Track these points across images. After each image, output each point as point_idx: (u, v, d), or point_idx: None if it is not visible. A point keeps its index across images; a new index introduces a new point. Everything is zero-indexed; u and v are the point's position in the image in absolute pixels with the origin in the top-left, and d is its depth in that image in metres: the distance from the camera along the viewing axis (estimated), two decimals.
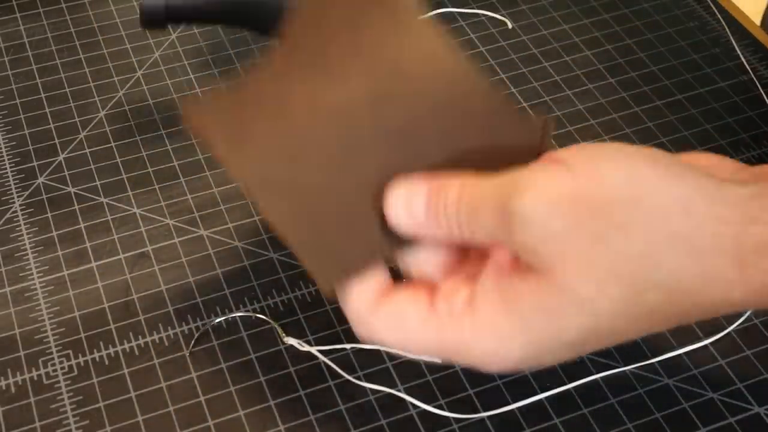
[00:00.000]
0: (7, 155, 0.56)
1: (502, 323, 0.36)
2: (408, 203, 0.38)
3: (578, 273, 0.34)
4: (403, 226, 0.38)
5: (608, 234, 0.34)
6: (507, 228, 0.35)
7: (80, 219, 0.53)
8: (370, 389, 0.45)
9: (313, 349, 0.46)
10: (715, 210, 0.34)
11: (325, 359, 0.46)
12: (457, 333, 0.37)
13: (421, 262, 0.40)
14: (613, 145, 0.36)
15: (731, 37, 0.63)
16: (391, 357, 0.46)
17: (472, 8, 0.66)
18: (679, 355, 0.46)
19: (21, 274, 0.50)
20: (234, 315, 0.48)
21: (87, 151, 0.56)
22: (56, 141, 0.57)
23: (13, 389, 0.45)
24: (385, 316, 0.38)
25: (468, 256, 0.39)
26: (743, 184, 0.34)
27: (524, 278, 0.35)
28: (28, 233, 0.52)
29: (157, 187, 0.54)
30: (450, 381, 0.45)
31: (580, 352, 0.37)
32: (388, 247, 0.39)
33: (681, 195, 0.34)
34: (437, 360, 0.46)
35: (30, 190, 0.54)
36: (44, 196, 0.54)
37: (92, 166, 0.55)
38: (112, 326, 0.48)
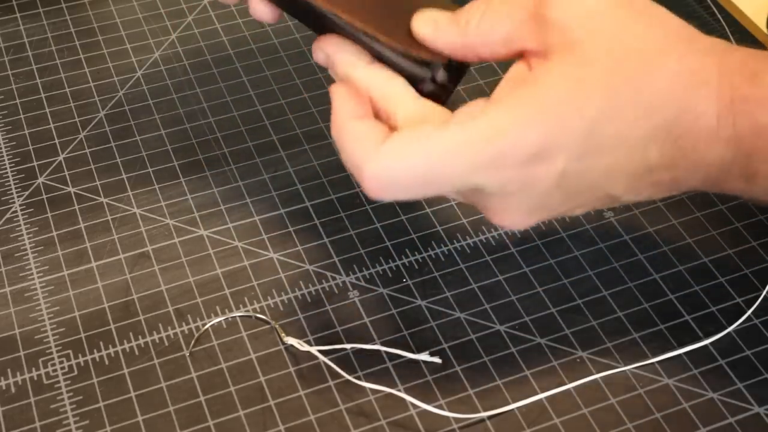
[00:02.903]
0: (7, 155, 0.56)
1: (521, 105, 0.37)
2: (435, 20, 0.41)
3: (603, 48, 0.37)
4: (429, 36, 0.40)
5: (629, 20, 0.38)
6: (541, 12, 0.38)
7: (80, 219, 0.53)
8: (370, 389, 0.45)
9: (313, 349, 0.46)
10: (704, 36, 0.39)
11: (325, 359, 0.46)
12: (481, 130, 0.37)
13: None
14: None
15: (731, 37, 0.63)
16: (391, 357, 0.46)
17: None
18: (679, 355, 0.46)
19: (21, 274, 0.50)
20: (234, 315, 0.48)
21: (87, 151, 0.56)
22: (56, 141, 0.57)
23: (13, 389, 0.45)
24: (397, 142, 0.38)
25: None
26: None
27: (543, 64, 0.38)
28: (28, 233, 0.52)
29: (157, 187, 0.54)
30: (450, 381, 0.45)
31: (591, 172, 0.38)
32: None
33: (683, 22, 0.39)
34: (437, 360, 0.46)
35: (30, 190, 0.54)
36: (44, 196, 0.54)
37: (92, 166, 0.55)
38: (112, 326, 0.48)
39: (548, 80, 0.37)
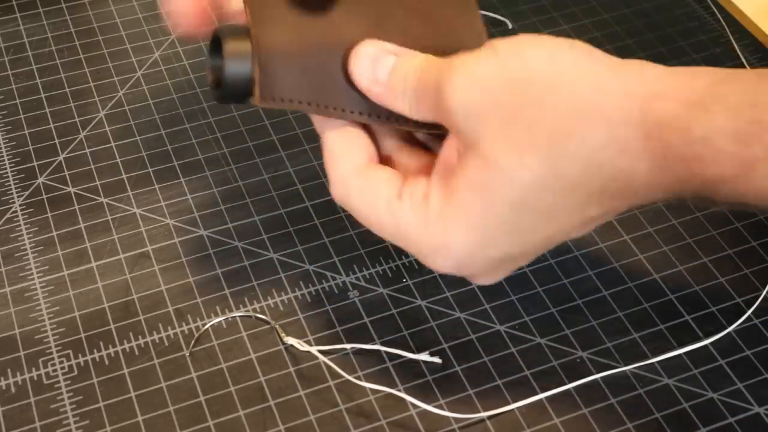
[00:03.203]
0: (7, 155, 0.56)
1: (447, 212, 0.39)
2: (374, 64, 0.41)
3: (499, 145, 0.37)
4: (364, 85, 0.41)
5: (525, 108, 0.36)
6: (441, 107, 0.38)
7: (80, 219, 0.53)
8: (370, 389, 0.45)
9: (313, 349, 0.46)
10: (623, 86, 0.36)
11: (325, 359, 0.46)
12: (411, 227, 0.40)
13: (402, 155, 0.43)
14: (543, 36, 0.38)
15: (731, 37, 0.63)
16: (391, 357, 0.46)
17: None
18: (679, 355, 0.46)
19: (21, 274, 0.50)
20: (234, 315, 0.48)
21: (87, 151, 0.56)
22: (56, 141, 0.57)
23: (13, 389, 0.45)
24: (362, 187, 0.41)
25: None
26: (655, 66, 0.38)
27: (460, 162, 0.38)
28: (28, 233, 0.52)
29: (157, 187, 0.54)
30: (450, 381, 0.45)
31: (526, 246, 0.40)
32: (347, 102, 0.41)
33: (595, 73, 0.37)
34: (437, 360, 0.46)
35: (30, 190, 0.54)
36: (44, 196, 0.54)
37: (92, 166, 0.55)
38: (112, 326, 0.48)
39: (460, 189, 0.38)
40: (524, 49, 0.38)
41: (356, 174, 0.41)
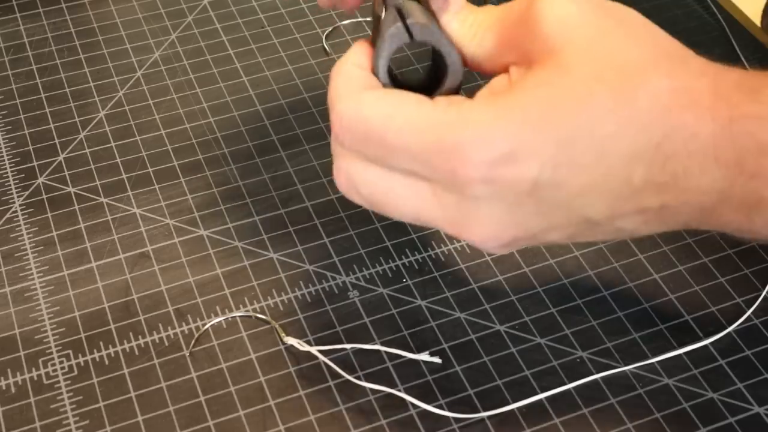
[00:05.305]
0: (7, 155, 0.56)
1: (499, 102, 0.35)
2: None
3: (581, 56, 0.35)
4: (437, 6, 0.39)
5: (614, 32, 0.36)
6: (529, 16, 0.37)
7: (80, 219, 0.53)
8: (370, 389, 0.45)
9: (313, 349, 0.46)
10: (697, 56, 0.37)
11: (325, 359, 0.46)
12: (451, 117, 0.35)
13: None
14: None
15: (731, 37, 0.63)
16: (391, 357, 0.46)
17: None
18: (679, 355, 0.46)
19: (21, 274, 0.50)
20: (234, 315, 0.48)
21: (87, 151, 0.56)
22: (56, 141, 0.57)
23: (13, 389, 0.45)
24: (380, 95, 0.37)
25: None
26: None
27: (529, 68, 0.36)
28: (28, 233, 0.52)
29: (157, 187, 0.54)
30: (450, 381, 0.45)
31: (565, 186, 0.35)
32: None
33: (675, 41, 0.38)
34: (437, 360, 0.46)
35: (30, 190, 0.54)
36: (44, 196, 0.54)
37: (92, 166, 0.55)
38: (112, 326, 0.48)
39: (525, 85, 0.36)
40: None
41: (371, 88, 0.38)
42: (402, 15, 0.39)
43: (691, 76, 0.36)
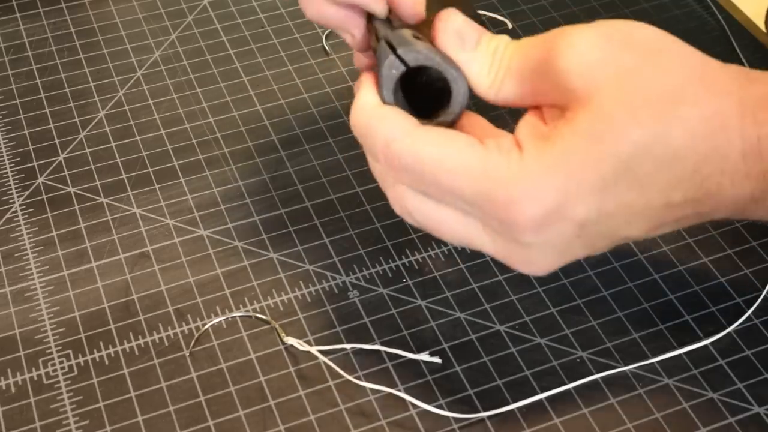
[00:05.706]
0: (7, 155, 0.56)
1: (545, 156, 0.37)
2: (460, 30, 0.40)
3: (614, 100, 0.36)
4: (452, 47, 0.40)
5: (641, 68, 0.37)
6: (551, 69, 0.37)
7: (80, 219, 0.53)
8: (370, 389, 0.45)
9: (313, 349, 0.46)
10: (721, 65, 0.38)
11: (325, 359, 0.46)
12: (502, 167, 0.37)
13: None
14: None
15: (731, 37, 0.63)
16: (391, 357, 0.46)
17: None
18: (679, 355, 0.46)
19: (21, 274, 0.50)
20: (234, 315, 0.48)
21: (87, 151, 0.56)
22: (56, 141, 0.57)
23: (13, 389, 0.45)
24: (432, 134, 0.38)
25: None
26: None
27: (565, 118, 0.37)
28: (28, 233, 0.52)
29: (157, 187, 0.54)
30: (450, 381, 0.45)
31: (611, 218, 0.37)
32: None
33: (695, 50, 0.38)
34: (437, 360, 0.46)
35: (30, 190, 0.54)
36: (44, 196, 0.54)
37: (92, 166, 0.55)
38: (112, 326, 0.48)
39: (563, 136, 0.37)
40: (628, 23, 0.39)
41: (419, 125, 0.39)
42: (392, 46, 0.39)
43: (718, 99, 0.37)
